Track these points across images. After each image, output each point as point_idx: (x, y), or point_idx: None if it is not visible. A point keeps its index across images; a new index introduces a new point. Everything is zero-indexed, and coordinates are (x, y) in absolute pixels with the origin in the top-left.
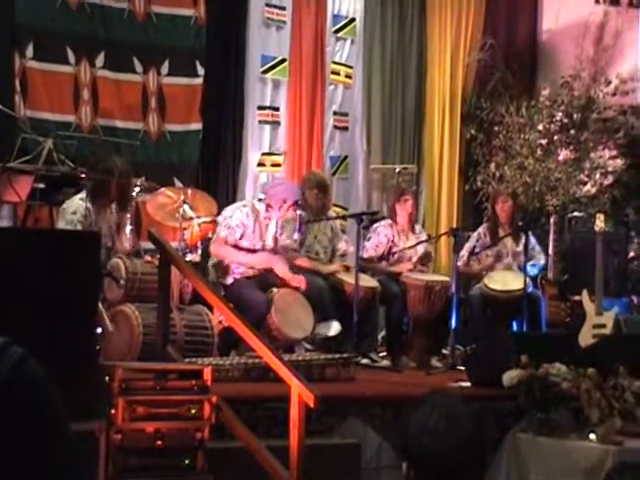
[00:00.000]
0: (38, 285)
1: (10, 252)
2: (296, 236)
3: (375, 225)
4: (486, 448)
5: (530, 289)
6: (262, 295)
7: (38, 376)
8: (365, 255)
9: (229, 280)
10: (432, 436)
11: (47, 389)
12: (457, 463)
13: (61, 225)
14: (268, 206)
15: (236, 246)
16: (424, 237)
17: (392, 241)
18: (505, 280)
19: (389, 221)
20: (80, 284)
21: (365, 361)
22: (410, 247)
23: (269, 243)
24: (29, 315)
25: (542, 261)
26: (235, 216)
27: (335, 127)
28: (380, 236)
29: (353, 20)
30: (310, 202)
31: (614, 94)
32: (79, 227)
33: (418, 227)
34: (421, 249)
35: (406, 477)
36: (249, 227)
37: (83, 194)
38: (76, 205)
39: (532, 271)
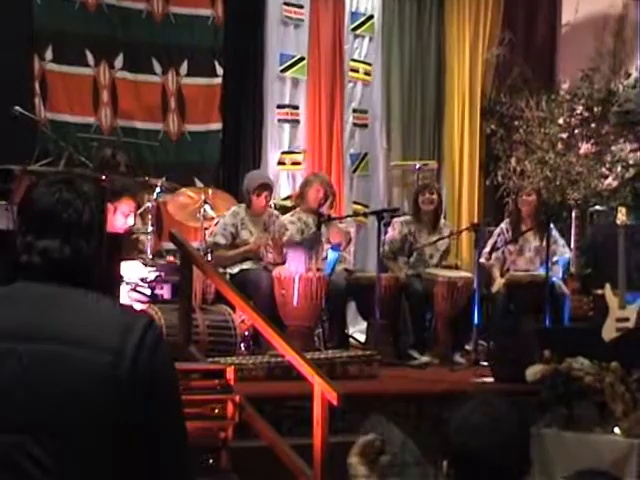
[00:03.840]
0: None
1: None
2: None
3: (394, 220)
4: (529, 446)
5: (554, 279)
6: (267, 273)
7: (168, 360)
8: (381, 250)
9: (235, 269)
10: (474, 434)
11: (173, 367)
12: (500, 461)
13: None
14: (249, 201)
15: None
16: (447, 233)
17: (413, 237)
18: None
19: (408, 217)
20: (99, 287)
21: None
22: (430, 244)
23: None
24: None
25: (567, 254)
26: (220, 222)
27: (355, 124)
28: (395, 231)
29: (371, 17)
30: (312, 199)
31: (634, 86)
32: None
33: (443, 221)
34: (443, 246)
35: (446, 475)
36: (238, 226)
37: None
38: None
39: (559, 265)
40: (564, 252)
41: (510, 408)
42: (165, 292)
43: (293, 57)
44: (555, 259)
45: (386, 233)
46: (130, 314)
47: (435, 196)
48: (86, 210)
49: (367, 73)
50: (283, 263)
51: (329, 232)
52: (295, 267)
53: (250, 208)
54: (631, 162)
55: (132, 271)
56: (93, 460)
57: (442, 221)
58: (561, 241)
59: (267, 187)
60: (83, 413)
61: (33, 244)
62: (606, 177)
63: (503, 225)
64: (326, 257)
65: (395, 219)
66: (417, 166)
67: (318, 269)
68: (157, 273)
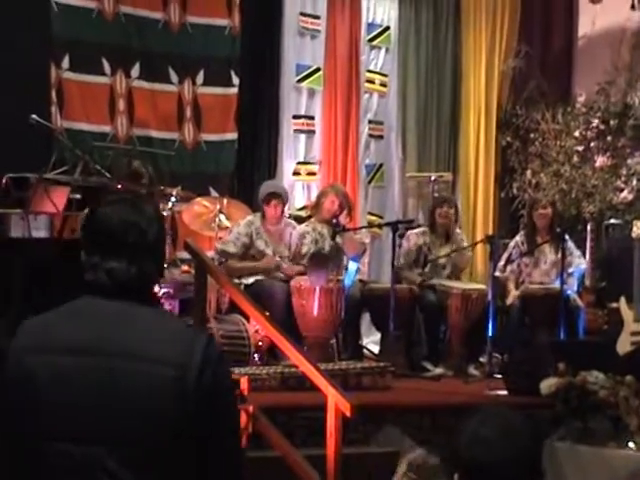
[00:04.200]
0: (74, 294)
1: (47, 262)
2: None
3: (408, 232)
4: (541, 459)
5: (569, 292)
6: (282, 284)
7: (228, 372)
8: (396, 263)
9: (250, 280)
10: (484, 446)
11: (232, 384)
12: (512, 474)
13: None
14: (263, 210)
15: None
16: (462, 244)
17: (428, 248)
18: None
19: (423, 229)
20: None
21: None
22: (446, 255)
23: (282, 250)
24: None
25: (583, 265)
26: (234, 230)
27: (370, 135)
28: (410, 243)
29: (387, 28)
30: (327, 210)
31: None
32: None
33: (457, 231)
34: (457, 257)
35: None
36: (253, 235)
37: None
38: None
39: (574, 276)
40: (580, 262)
41: (522, 420)
42: (174, 308)
43: (309, 68)
44: (571, 270)
45: (400, 245)
46: (192, 330)
47: (452, 210)
48: (150, 230)
49: (383, 84)
50: (301, 274)
51: (344, 243)
52: (316, 280)
53: (265, 218)
54: None
55: None
56: (163, 471)
57: (457, 230)
58: (577, 252)
59: (277, 196)
60: (154, 426)
61: (99, 264)
62: (622, 190)
63: (518, 238)
64: (347, 267)
65: (409, 231)
66: (432, 178)
67: (338, 280)
68: (166, 290)
